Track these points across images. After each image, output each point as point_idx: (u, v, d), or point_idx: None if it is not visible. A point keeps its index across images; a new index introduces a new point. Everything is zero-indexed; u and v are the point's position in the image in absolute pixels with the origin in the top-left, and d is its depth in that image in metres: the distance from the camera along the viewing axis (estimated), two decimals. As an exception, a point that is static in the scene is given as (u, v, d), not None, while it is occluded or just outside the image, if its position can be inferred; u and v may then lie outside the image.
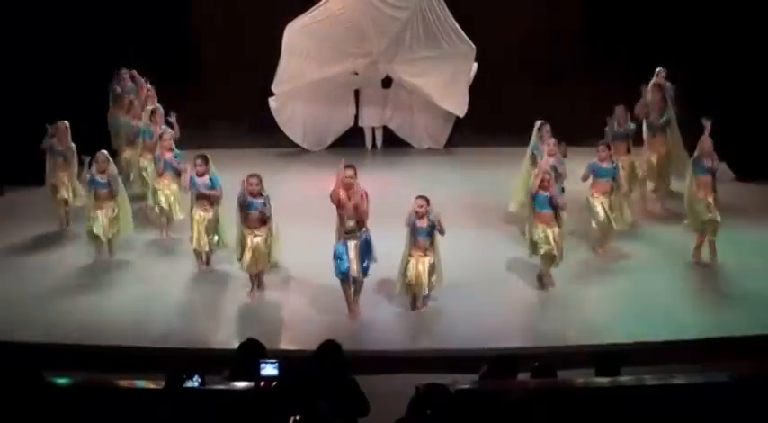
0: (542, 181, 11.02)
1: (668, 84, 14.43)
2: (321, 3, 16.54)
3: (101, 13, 15.96)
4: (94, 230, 11.85)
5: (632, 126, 13.52)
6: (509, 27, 17.21)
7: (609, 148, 12.15)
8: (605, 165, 12.04)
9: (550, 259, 11.13)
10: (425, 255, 10.61)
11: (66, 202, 13.05)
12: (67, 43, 15.47)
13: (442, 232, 10.58)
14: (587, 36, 17.23)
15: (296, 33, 16.50)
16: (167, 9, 17.04)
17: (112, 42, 16.14)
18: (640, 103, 13.92)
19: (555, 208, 11.05)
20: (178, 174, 12.77)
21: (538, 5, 17.45)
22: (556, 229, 11.05)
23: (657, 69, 14.62)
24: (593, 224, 12.19)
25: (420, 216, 10.50)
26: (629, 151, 13.52)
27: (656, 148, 13.83)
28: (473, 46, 16.52)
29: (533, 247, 11.20)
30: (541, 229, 11.03)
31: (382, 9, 16.40)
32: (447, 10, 16.51)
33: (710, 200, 11.65)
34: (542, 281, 11.30)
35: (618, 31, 16.94)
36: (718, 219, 11.65)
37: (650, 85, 14.12)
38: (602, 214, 12.07)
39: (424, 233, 10.58)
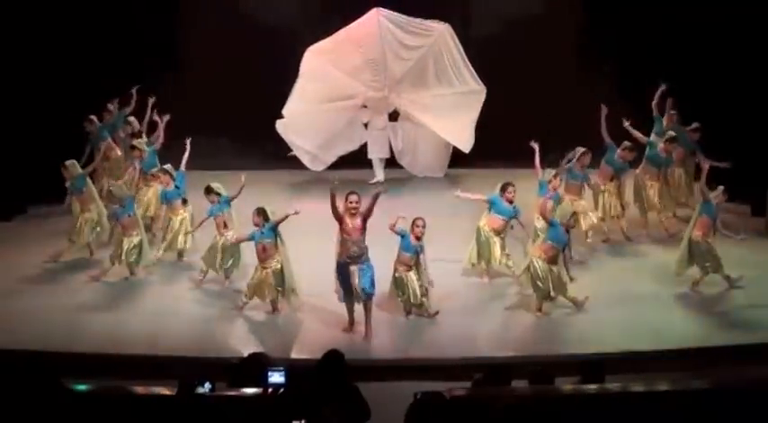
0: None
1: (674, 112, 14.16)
2: (342, 32, 16.12)
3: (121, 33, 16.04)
4: (122, 256, 11.78)
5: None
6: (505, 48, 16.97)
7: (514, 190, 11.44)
8: (506, 205, 11.42)
9: (545, 295, 10.68)
10: (409, 269, 10.54)
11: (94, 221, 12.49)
12: (98, 64, 15.50)
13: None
14: (577, 60, 17.04)
15: (315, 58, 16.19)
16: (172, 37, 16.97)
17: (131, 62, 16.05)
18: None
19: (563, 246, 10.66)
20: (184, 202, 12.51)
21: (528, 30, 17.13)
22: (555, 268, 10.59)
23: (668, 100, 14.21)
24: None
25: (418, 237, 10.45)
26: (613, 178, 13.10)
27: (655, 173, 13.39)
28: (483, 86, 16.15)
29: (531, 279, 10.65)
30: (542, 263, 10.56)
31: (398, 50, 16.15)
32: (461, 48, 16.20)
33: (710, 240, 11.18)
34: (540, 309, 10.77)
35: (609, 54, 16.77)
36: (718, 256, 11.18)
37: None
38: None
39: (412, 250, 10.51)
